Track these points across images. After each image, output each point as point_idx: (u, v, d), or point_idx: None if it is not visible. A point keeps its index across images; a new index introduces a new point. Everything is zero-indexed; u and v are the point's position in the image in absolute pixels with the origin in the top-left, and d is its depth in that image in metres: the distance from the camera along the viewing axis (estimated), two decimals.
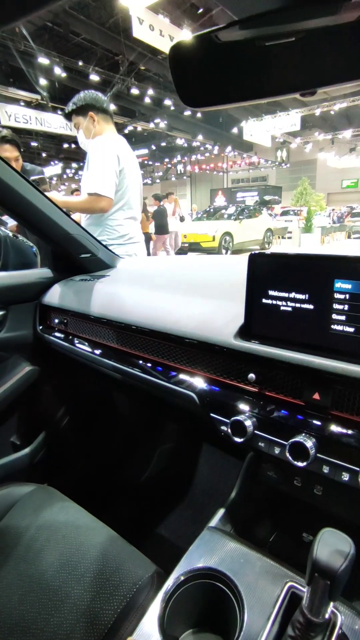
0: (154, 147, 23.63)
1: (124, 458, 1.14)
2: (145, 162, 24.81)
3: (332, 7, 0.39)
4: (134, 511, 1.01)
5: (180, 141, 22.42)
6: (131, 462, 1.13)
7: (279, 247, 13.18)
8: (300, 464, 0.62)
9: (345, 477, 0.60)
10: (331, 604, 0.54)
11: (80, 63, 12.46)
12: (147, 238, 9.73)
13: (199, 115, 18.78)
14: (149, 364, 0.90)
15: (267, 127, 18.22)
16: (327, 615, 0.54)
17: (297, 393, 0.66)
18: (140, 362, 0.92)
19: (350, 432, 0.61)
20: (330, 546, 0.49)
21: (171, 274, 1.08)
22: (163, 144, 23.15)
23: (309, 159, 27.04)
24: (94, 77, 12.83)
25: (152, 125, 18.69)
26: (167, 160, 26.24)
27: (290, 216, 16.69)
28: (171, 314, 0.85)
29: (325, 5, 0.40)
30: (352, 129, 22.53)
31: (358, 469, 0.57)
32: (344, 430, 0.61)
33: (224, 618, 0.61)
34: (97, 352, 1.04)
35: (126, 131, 18.73)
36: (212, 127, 21.77)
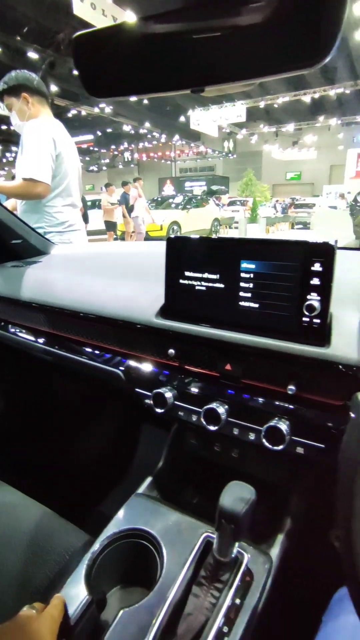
0: (99, 133, 22.93)
1: (64, 441, 1.16)
2: (91, 148, 24.02)
3: (235, 8, 0.41)
4: (72, 489, 1.04)
5: (127, 128, 21.95)
6: (71, 444, 1.16)
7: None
8: (212, 427, 0.69)
9: (252, 436, 0.67)
10: (236, 544, 0.61)
11: (18, 38, 11.70)
12: (113, 227, 9.40)
13: (145, 102, 18.47)
14: (78, 345, 0.93)
15: (213, 117, 18.38)
16: (233, 555, 0.61)
17: (212, 365, 0.73)
18: (70, 344, 0.94)
19: (256, 397, 0.68)
20: (234, 495, 0.57)
21: (102, 260, 1.10)
22: (109, 130, 22.53)
23: (255, 151, 27.77)
24: (33, 55, 12.11)
25: (96, 110, 18.11)
26: (113, 147, 25.60)
27: (237, 206, 17.10)
28: (99, 296, 0.88)
29: (227, 6, 0.43)
30: (294, 122, 23.42)
31: (261, 427, 0.64)
32: (251, 396, 0.69)
33: (148, 572, 0.67)
34: (29, 337, 1.05)
35: (69, 115, 17.95)
36: (158, 115, 21.54)
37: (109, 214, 9.18)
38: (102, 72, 0.49)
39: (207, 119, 18.36)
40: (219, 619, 0.56)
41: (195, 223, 11.91)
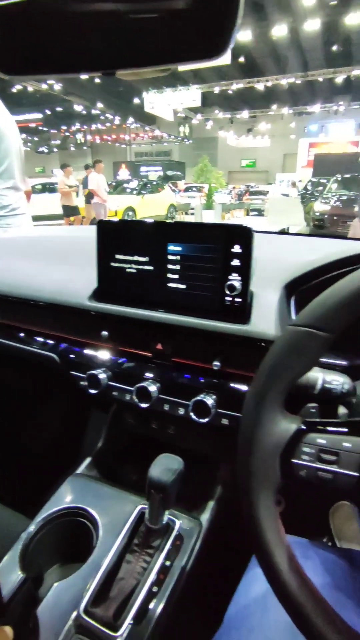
0: (49, 112, 21.80)
1: (2, 427, 1.14)
2: (40, 127, 22.81)
3: None
4: (11, 474, 1.04)
5: (78, 108, 21.06)
6: (11, 430, 1.15)
7: None
8: (144, 405, 0.71)
9: (181, 411, 0.71)
10: (167, 512, 0.65)
11: None
12: (72, 211, 8.55)
13: (97, 80, 17.77)
14: (14, 331, 0.92)
15: (168, 101, 18.09)
16: (164, 522, 0.65)
17: (144, 345, 0.75)
18: (5, 329, 0.93)
19: (185, 373, 0.72)
20: (162, 466, 0.60)
21: (38, 244, 1.08)
22: (59, 109, 21.50)
23: (211, 137, 27.80)
24: None
25: (44, 86, 17.17)
26: (64, 127, 24.49)
27: (193, 192, 17.06)
28: (33, 281, 0.86)
29: None
30: (248, 110, 23.66)
31: (189, 402, 0.68)
32: (181, 373, 0.72)
33: (86, 548, 0.69)
34: None
35: (14, 90, 16.87)
36: (111, 96, 20.85)
37: (67, 198, 8.38)
38: (10, 47, 0.48)
39: (161, 102, 18.04)
40: (149, 580, 0.60)
41: (150, 209, 11.75)
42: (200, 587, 0.70)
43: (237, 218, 14.80)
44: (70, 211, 8.58)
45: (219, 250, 0.64)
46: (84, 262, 0.85)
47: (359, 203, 7.05)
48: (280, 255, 0.85)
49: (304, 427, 0.39)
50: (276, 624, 0.50)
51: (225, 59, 11.77)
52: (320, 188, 10.28)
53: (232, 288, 0.63)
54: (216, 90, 20.10)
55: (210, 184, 16.30)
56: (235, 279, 0.63)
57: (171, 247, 0.68)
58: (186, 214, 14.64)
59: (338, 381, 0.50)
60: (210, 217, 12.96)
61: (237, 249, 0.62)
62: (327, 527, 1.04)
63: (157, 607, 0.58)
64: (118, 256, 0.73)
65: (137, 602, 0.58)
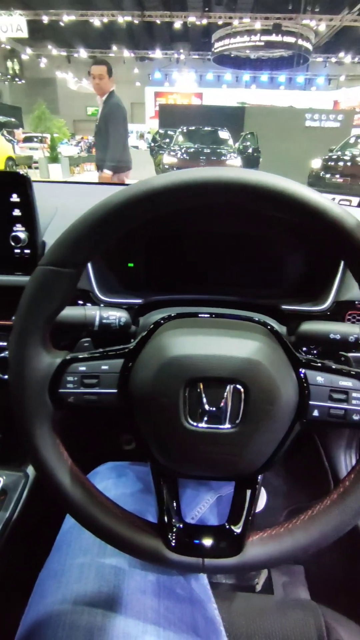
0: None
1: None
2: None
3: None
4: None
5: None
6: None
7: None
8: None
9: None
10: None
11: None
12: None
13: None
14: None
15: None
16: None
17: None
18: None
19: None
20: None
21: None
22: None
23: (48, 78, 24.65)
24: None
25: None
26: None
27: (34, 143, 15.14)
28: None
29: None
30: (86, 49, 21.60)
31: None
32: None
33: None
34: None
35: None
36: None
37: None
38: None
39: None
40: None
41: None
42: (25, 536, 0.70)
43: (88, 172, 13.79)
44: None
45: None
46: None
47: None
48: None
49: (68, 359, 0.41)
50: (89, 546, 0.51)
51: None
52: (167, 140, 10.12)
53: (16, 239, 0.64)
54: (45, 19, 17.55)
55: (52, 133, 14.62)
56: (19, 230, 0.64)
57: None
58: (30, 167, 12.92)
59: (115, 316, 0.57)
60: (57, 172, 11.73)
61: (15, 198, 0.63)
62: None
63: None
64: None
65: None
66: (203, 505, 0.58)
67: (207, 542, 0.40)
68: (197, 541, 0.40)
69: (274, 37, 17.62)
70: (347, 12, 15.57)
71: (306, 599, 0.79)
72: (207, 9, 18.63)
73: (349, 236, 0.35)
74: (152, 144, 10.99)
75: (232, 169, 0.36)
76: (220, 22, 18.58)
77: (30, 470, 0.73)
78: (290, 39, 17.55)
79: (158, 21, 18.87)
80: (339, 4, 16.07)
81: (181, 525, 0.40)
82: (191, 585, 0.49)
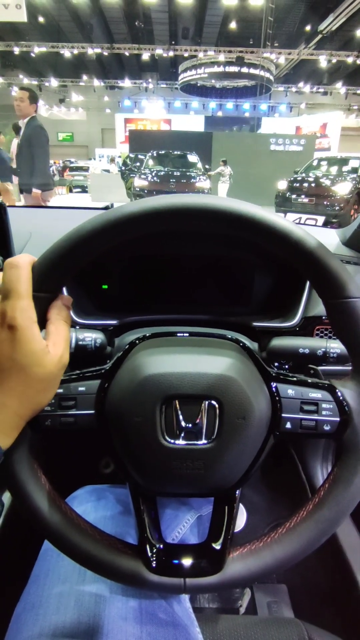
0: None
1: None
2: None
3: None
4: None
5: None
6: None
7: None
8: None
9: None
10: None
11: None
12: None
13: None
14: None
15: None
16: None
17: None
18: None
19: None
20: None
21: None
22: None
23: None
24: None
25: None
26: None
27: None
28: None
29: None
30: (57, 78, 21.99)
31: None
32: None
33: None
34: None
35: None
36: None
37: None
38: None
39: None
40: None
41: None
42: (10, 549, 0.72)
43: (59, 195, 13.81)
44: None
45: None
46: None
47: None
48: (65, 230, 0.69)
49: None
50: (68, 573, 0.50)
51: (20, 15, 10.34)
52: (138, 164, 10.31)
53: None
54: (16, 50, 17.82)
55: None
56: None
57: None
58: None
59: (90, 337, 0.59)
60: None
61: None
62: None
63: None
64: None
65: None
66: (183, 525, 0.57)
67: (187, 561, 0.39)
68: (177, 561, 0.39)
69: (237, 69, 18.57)
70: (303, 47, 16.65)
71: (290, 617, 0.78)
72: (173, 42, 19.49)
73: (311, 256, 0.37)
74: (123, 168, 11.14)
75: (205, 196, 0.38)
76: (186, 55, 19.42)
77: (6, 497, 0.71)
78: (253, 71, 18.54)
79: (127, 53, 19.50)
80: (297, 39, 17.21)
81: (161, 546, 0.40)
82: (174, 609, 0.48)
